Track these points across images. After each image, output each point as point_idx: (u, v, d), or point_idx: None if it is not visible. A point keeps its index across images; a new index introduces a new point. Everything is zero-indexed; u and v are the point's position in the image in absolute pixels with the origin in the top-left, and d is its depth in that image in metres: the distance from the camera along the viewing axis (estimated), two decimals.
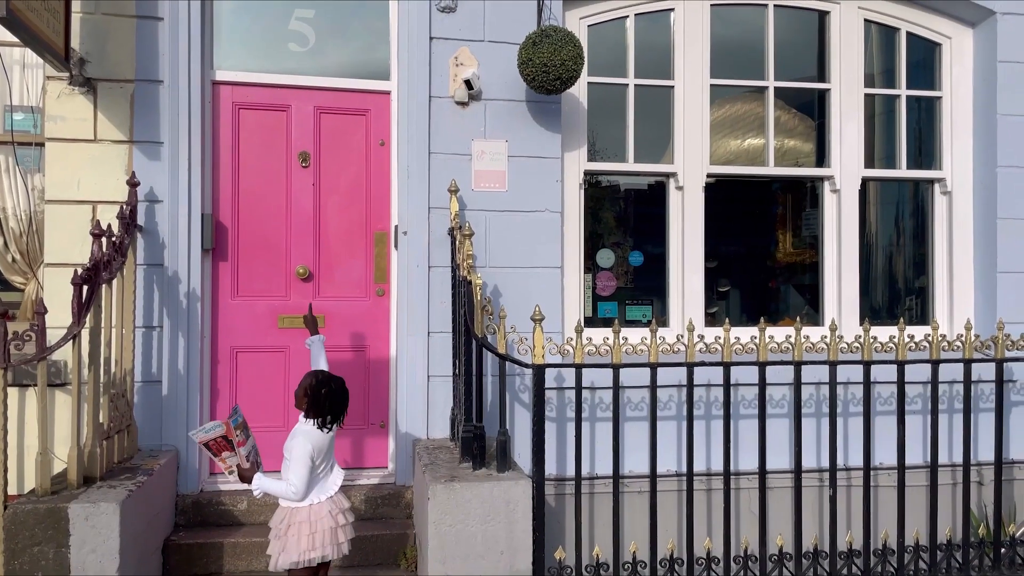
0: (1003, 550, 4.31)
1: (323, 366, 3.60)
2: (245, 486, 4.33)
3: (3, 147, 4.56)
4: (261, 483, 3.30)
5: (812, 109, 5.46)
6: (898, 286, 5.67)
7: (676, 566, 4.01)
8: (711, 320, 5.10)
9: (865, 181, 5.27)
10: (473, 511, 3.53)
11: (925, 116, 5.49)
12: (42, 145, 4.35)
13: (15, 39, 3.73)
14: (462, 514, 3.52)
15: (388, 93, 4.68)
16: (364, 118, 4.68)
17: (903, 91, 5.33)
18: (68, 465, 3.50)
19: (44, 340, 3.38)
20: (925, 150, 5.49)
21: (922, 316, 5.43)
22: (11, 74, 4.55)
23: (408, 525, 4.27)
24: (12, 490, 3.67)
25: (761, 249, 5.62)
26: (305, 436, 3.30)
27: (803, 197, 5.58)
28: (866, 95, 5.26)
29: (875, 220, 5.60)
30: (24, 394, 4.14)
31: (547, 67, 4.26)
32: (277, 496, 3.32)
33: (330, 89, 4.64)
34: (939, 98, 5.38)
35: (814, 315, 5.33)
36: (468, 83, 4.54)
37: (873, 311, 5.39)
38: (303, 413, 3.38)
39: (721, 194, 5.18)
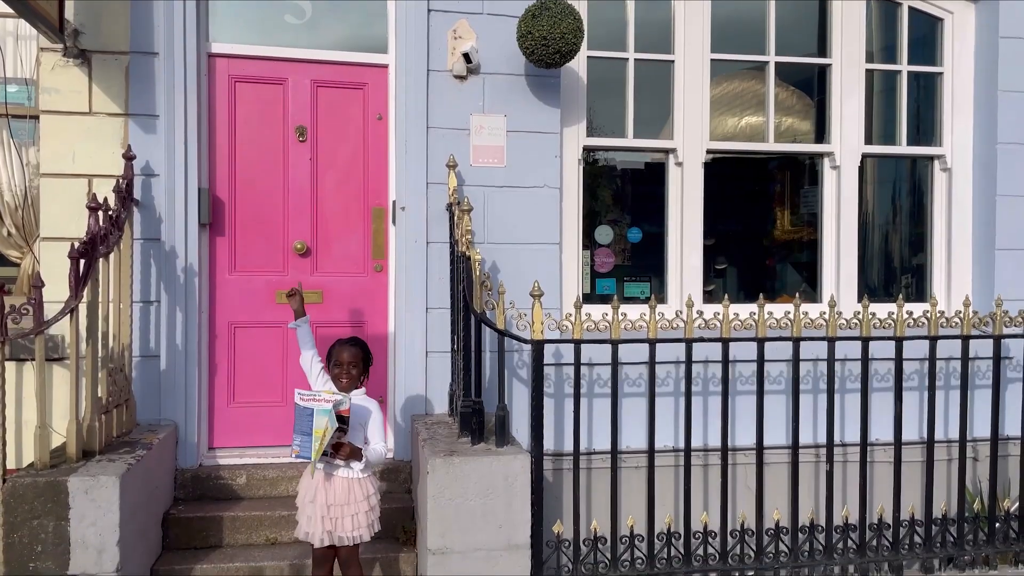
0: (998, 525, 4.35)
1: (314, 348, 3.58)
2: (244, 461, 4.39)
3: None
4: (369, 455, 3.41)
5: (810, 87, 5.44)
6: (896, 264, 5.68)
7: (673, 540, 4.03)
8: (708, 298, 5.09)
9: (864, 158, 5.25)
10: (472, 485, 3.54)
11: (925, 93, 5.46)
12: (37, 118, 4.31)
13: (8, 10, 3.67)
14: (461, 488, 3.53)
15: (386, 67, 4.63)
16: (361, 92, 4.64)
17: (904, 67, 5.30)
18: (67, 439, 3.50)
19: (41, 314, 3.36)
20: (925, 127, 5.47)
21: (919, 294, 5.44)
22: (4, 46, 4.50)
23: (407, 499, 4.29)
24: (10, 465, 3.67)
25: (758, 227, 5.62)
26: (375, 403, 3.50)
27: (801, 175, 5.57)
28: (867, 71, 5.23)
29: (873, 198, 5.60)
30: (21, 368, 4.13)
31: (547, 40, 4.22)
32: (375, 463, 3.46)
33: (327, 62, 4.59)
34: (940, 74, 5.35)
35: (811, 293, 5.33)
36: (467, 56, 4.50)
37: (871, 289, 5.39)
38: (355, 387, 3.47)
39: (719, 172, 5.16)
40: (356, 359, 3.45)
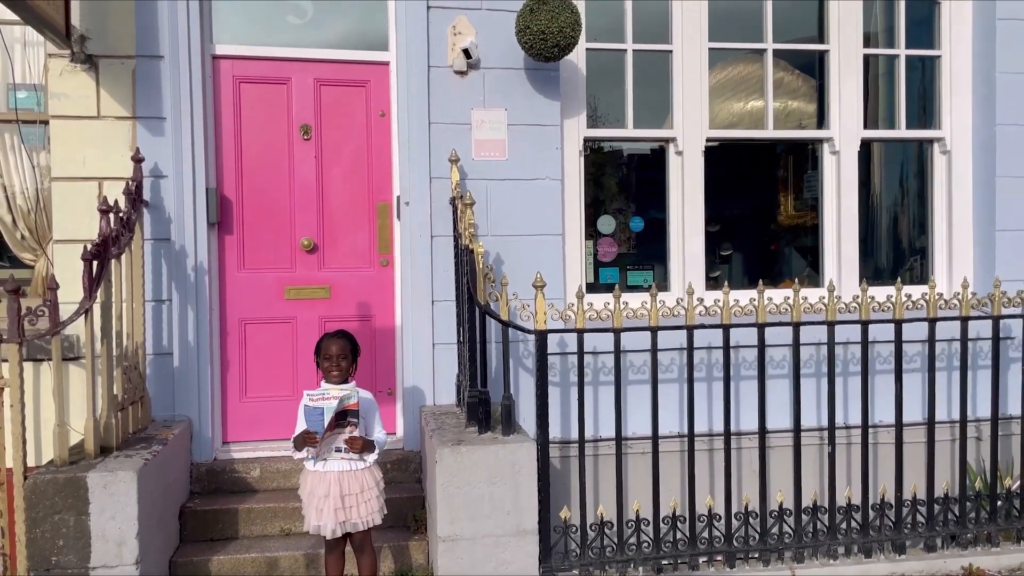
0: (999, 503, 4.40)
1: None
2: (257, 454, 4.48)
3: (8, 125, 4.60)
4: (378, 444, 3.54)
5: (814, 69, 5.45)
6: (898, 247, 5.71)
7: (679, 523, 4.10)
8: (713, 284, 5.15)
9: (865, 142, 5.28)
10: (480, 473, 3.62)
11: (924, 76, 5.48)
12: (46, 123, 4.39)
13: (16, 17, 3.76)
14: (469, 476, 3.61)
15: (387, 64, 4.69)
16: (364, 89, 4.70)
17: (902, 51, 5.32)
18: (84, 436, 3.60)
19: (57, 315, 3.45)
20: (924, 110, 5.49)
21: (922, 276, 5.47)
22: (13, 53, 4.58)
23: (417, 489, 4.38)
24: (30, 463, 3.76)
25: (763, 212, 5.65)
26: (369, 394, 3.60)
27: (804, 160, 5.60)
28: (865, 55, 5.25)
29: (875, 182, 5.62)
30: (39, 368, 4.23)
31: (545, 34, 4.27)
32: (380, 450, 3.55)
33: (329, 61, 4.66)
34: (938, 57, 5.36)
35: (815, 277, 5.38)
36: (466, 52, 4.55)
37: (873, 272, 5.44)
38: (345, 379, 3.53)
39: (723, 158, 5.20)
40: (344, 351, 3.51)
